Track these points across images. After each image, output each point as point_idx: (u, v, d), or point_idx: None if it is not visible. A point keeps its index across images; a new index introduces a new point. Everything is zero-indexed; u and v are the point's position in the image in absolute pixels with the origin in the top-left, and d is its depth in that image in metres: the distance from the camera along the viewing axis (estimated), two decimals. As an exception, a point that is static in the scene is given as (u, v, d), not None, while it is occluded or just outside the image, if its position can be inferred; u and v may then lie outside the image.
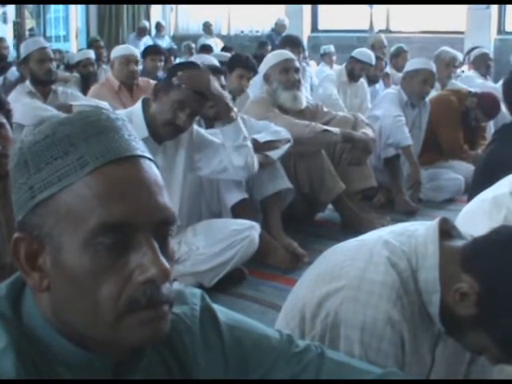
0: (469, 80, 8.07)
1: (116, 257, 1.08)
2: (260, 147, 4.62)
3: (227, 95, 4.02)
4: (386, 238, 1.87)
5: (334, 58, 10.68)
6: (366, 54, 7.79)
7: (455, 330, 1.75)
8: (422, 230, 1.84)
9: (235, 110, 3.96)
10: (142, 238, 1.09)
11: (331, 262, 1.92)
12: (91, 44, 11.70)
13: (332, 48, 10.73)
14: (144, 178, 1.13)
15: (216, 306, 1.41)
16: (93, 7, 16.65)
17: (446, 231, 1.83)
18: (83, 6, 16.47)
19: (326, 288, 1.84)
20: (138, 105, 3.93)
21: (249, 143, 4.02)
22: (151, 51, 7.90)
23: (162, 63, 7.92)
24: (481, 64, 8.60)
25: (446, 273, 1.74)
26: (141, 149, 1.16)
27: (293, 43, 7.92)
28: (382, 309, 1.73)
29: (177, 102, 3.76)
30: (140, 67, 7.09)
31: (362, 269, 1.80)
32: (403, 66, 9.26)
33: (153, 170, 1.16)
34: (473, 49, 10.49)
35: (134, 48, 7.12)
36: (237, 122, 3.96)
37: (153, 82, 5.84)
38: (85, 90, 7.21)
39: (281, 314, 2.08)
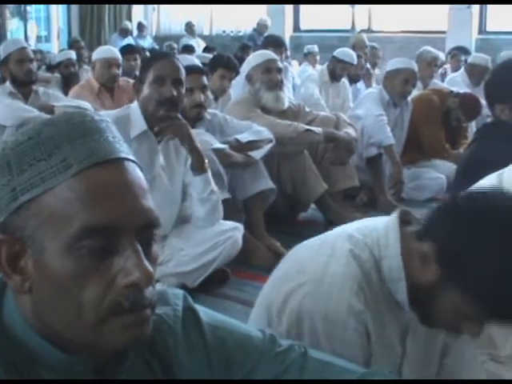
0: (455, 84, 7.98)
1: (99, 260, 1.08)
2: (242, 147, 4.62)
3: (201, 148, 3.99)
4: (349, 232, 1.88)
5: (318, 57, 10.71)
6: (347, 53, 7.81)
7: (427, 305, 1.73)
8: (383, 222, 1.85)
9: (207, 162, 3.94)
10: (125, 241, 1.09)
11: (296, 259, 1.93)
12: (72, 44, 11.66)
13: (316, 48, 10.75)
14: (128, 180, 1.12)
15: (198, 307, 1.41)
16: (74, 7, 16.57)
17: (407, 221, 1.84)
18: (65, 6, 16.39)
19: (290, 285, 1.83)
20: (135, 102, 3.96)
21: (215, 197, 3.98)
22: (125, 51, 7.88)
23: (138, 62, 7.90)
24: (477, 74, 8.38)
25: (409, 259, 1.75)
26: (125, 151, 1.15)
27: (275, 43, 7.94)
28: (344, 300, 1.73)
29: (154, 80, 3.82)
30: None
31: (324, 263, 1.81)
32: (374, 62, 9.23)
33: (137, 173, 1.15)
34: (455, 48, 10.52)
35: (116, 50, 7.10)
36: (207, 175, 3.93)
37: (132, 81, 5.84)
38: (66, 90, 7.19)
39: (251, 316, 2.08)
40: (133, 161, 1.16)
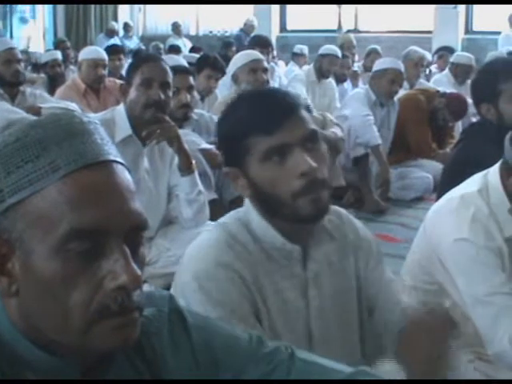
0: (441, 84, 8.00)
1: (87, 263, 1.08)
2: (229, 147, 4.61)
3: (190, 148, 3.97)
4: None
5: (307, 59, 10.70)
6: (330, 47, 7.92)
7: (285, 210, 1.83)
8: None
9: (194, 162, 3.92)
10: (113, 244, 1.09)
11: None
12: (57, 45, 11.62)
13: (306, 50, 10.71)
14: (116, 183, 1.12)
15: (185, 308, 1.41)
16: (60, 8, 16.52)
17: None
18: (50, 6, 16.34)
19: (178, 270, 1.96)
20: (121, 104, 3.95)
21: (202, 197, 3.96)
22: (109, 51, 7.85)
23: (123, 62, 7.89)
24: (461, 73, 8.44)
25: None
26: (113, 153, 1.15)
27: (262, 43, 7.94)
28: (210, 257, 1.82)
29: (141, 82, 3.79)
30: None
31: (197, 241, 1.93)
32: (371, 67, 9.29)
33: (125, 175, 1.15)
34: (441, 48, 10.54)
35: (103, 51, 7.08)
36: (194, 176, 3.92)
37: (119, 81, 5.83)
38: (52, 90, 7.17)
39: None
40: (121, 163, 1.16)
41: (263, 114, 1.81)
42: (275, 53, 10.62)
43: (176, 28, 15.07)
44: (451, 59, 8.69)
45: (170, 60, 5.04)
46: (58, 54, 8.46)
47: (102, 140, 1.15)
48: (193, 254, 1.88)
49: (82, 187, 1.08)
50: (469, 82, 8.31)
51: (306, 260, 1.92)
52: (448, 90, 7.07)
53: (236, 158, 1.85)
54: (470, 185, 2.58)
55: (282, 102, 1.83)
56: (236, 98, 1.98)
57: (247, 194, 1.88)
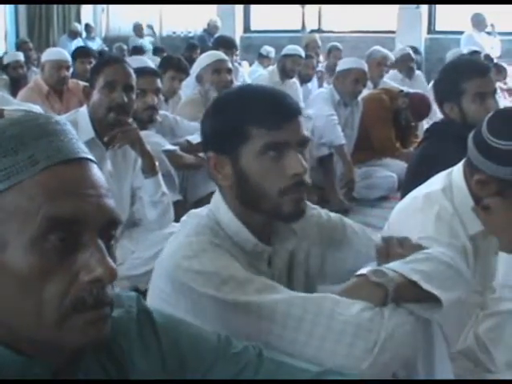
0: (389, 81, 8.11)
1: (63, 256, 1.08)
2: (193, 148, 4.60)
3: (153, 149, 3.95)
4: None
5: (272, 60, 10.69)
6: (293, 48, 7.98)
7: (264, 203, 1.88)
8: None
9: (157, 164, 3.90)
10: (89, 237, 1.10)
11: None
12: (19, 46, 11.54)
13: (272, 54, 10.68)
14: (93, 179, 1.14)
15: (153, 308, 1.41)
16: (22, 8, 16.35)
17: None
18: (12, 6, 16.19)
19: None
20: (84, 107, 3.91)
21: (166, 199, 3.95)
22: (80, 54, 7.80)
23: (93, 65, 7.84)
24: (402, 65, 8.60)
25: (235, 205, 1.92)
26: (88, 153, 1.18)
27: (226, 44, 7.93)
28: (200, 244, 1.83)
29: (104, 85, 3.75)
30: (71, 70, 7.02)
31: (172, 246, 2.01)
32: (334, 64, 9.34)
33: (99, 174, 1.18)
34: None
35: (66, 52, 7.03)
36: (158, 177, 3.89)
37: (82, 83, 5.79)
38: (14, 92, 7.11)
39: None
40: (95, 162, 1.19)
41: (272, 109, 1.85)
42: (238, 58, 10.61)
43: (139, 30, 14.93)
44: (394, 57, 8.79)
45: (136, 61, 5.02)
46: (20, 56, 8.41)
47: (77, 141, 1.18)
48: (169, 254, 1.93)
49: (60, 179, 1.10)
50: (417, 73, 8.52)
51: (271, 257, 1.97)
52: (396, 84, 7.17)
53: (229, 145, 1.87)
54: (434, 183, 2.60)
55: (289, 103, 1.90)
56: (241, 87, 2.07)
57: (228, 183, 1.89)
